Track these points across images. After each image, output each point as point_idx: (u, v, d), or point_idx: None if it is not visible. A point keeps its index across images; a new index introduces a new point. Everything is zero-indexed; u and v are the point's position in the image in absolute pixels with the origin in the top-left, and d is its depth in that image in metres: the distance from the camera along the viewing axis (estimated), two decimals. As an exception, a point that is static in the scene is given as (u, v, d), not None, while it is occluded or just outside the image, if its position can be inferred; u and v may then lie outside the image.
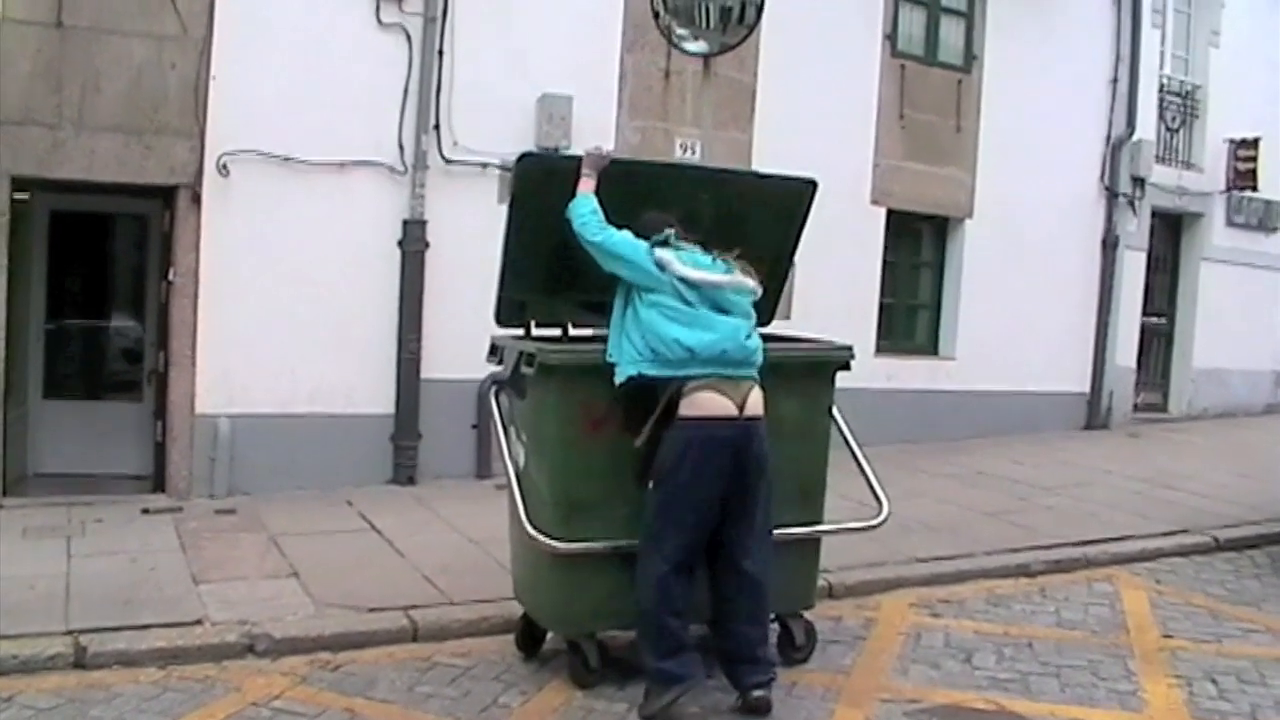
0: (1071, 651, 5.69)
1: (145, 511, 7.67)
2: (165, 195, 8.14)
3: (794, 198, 5.69)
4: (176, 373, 8.12)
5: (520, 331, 5.41)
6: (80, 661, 5.04)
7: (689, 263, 4.73)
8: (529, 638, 5.35)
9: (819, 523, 5.37)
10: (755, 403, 4.68)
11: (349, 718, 4.68)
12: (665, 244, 4.78)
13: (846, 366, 5.39)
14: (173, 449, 8.16)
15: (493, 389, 5.40)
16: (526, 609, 5.31)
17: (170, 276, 8.08)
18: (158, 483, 8.33)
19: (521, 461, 5.07)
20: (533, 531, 4.78)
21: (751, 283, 4.86)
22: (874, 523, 5.44)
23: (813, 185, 5.66)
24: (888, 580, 6.76)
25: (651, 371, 4.61)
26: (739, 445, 4.61)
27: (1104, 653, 5.68)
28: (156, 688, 4.88)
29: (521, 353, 4.99)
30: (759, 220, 5.51)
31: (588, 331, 5.39)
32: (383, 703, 4.84)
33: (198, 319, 8.07)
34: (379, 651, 5.43)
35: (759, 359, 4.77)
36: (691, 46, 7.40)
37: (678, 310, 4.65)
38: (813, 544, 5.39)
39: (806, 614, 5.47)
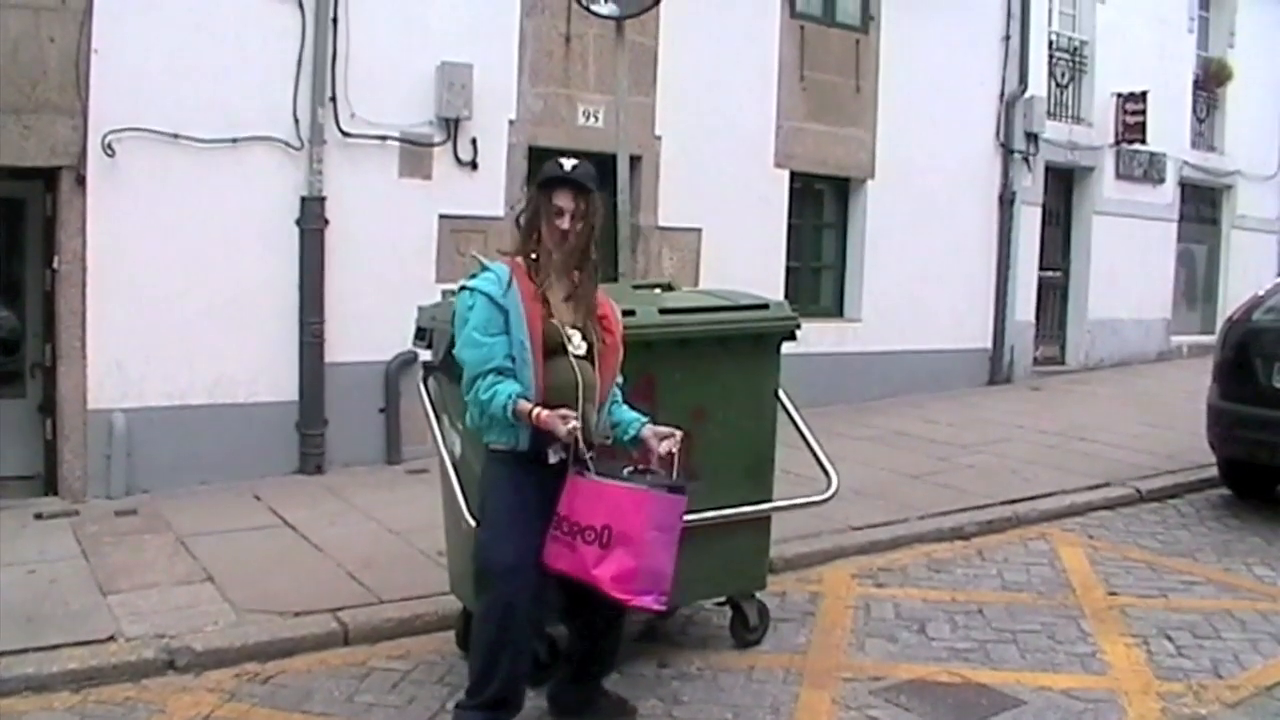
0: (1023, 615, 5.63)
1: (38, 516, 7.15)
2: (46, 177, 7.56)
3: None
4: (65, 366, 7.58)
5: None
6: (-15, 689, 4.60)
7: None
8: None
9: (768, 500, 5.16)
10: None
11: (288, 734, 4.37)
12: None
13: (792, 336, 5.16)
14: (64, 447, 7.64)
15: (421, 373, 5.08)
16: (468, 605, 5.02)
17: (55, 264, 7.52)
18: (49, 484, 7.78)
19: (458, 450, 4.77)
20: (475, 524, 4.48)
21: None
22: (824, 497, 5.22)
23: None
24: (826, 551, 6.64)
25: None
26: None
27: (1055, 614, 5.64)
28: (73, 714, 4.49)
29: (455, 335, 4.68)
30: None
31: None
32: (322, 716, 4.53)
33: (86, 308, 7.53)
34: (310, 659, 5.10)
35: None
36: (601, 9, 7.14)
37: None
38: (764, 522, 5.19)
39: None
